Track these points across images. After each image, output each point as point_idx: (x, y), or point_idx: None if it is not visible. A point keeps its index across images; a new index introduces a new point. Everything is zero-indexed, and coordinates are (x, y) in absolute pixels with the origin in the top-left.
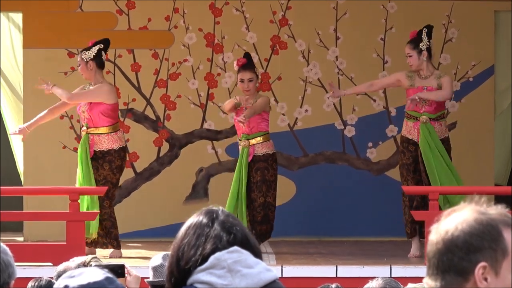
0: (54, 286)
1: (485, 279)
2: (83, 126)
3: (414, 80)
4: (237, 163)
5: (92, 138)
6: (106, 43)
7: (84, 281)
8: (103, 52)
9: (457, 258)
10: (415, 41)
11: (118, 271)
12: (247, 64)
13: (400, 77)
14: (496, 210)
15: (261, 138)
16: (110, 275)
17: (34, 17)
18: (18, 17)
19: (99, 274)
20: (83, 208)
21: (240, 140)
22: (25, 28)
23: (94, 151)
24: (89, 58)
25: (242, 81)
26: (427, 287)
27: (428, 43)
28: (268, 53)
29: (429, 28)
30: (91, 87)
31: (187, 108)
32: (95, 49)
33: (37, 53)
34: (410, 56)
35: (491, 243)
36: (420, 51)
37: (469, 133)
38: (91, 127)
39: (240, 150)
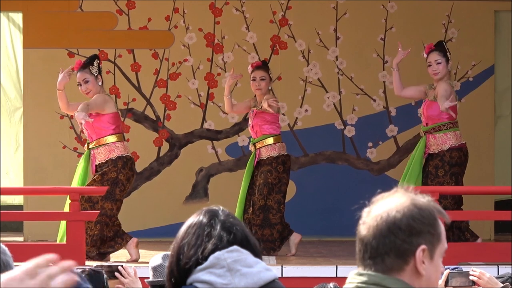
0: None
1: (423, 262)
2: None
3: (429, 91)
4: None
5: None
6: (97, 57)
7: None
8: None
9: (399, 240)
10: (442, 49)
11: (115, 272)
12: (261, 65)
13: (424, 88)
14: (426, 198)
15: (265, 142)
16: (77, 278)
17: (34, 17)
18: (18, 17)
19: None
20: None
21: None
22: (25, 28)
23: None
24: (97, 72)
25: (254, 79)
26: (361, 272)
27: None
28: (268, 53)
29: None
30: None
31: (187, 108)
32: (96, 63)
33: (37, 53)
34: (438, 63)
35: (430, 228)
36: (447, 60)
37: (469, 133)
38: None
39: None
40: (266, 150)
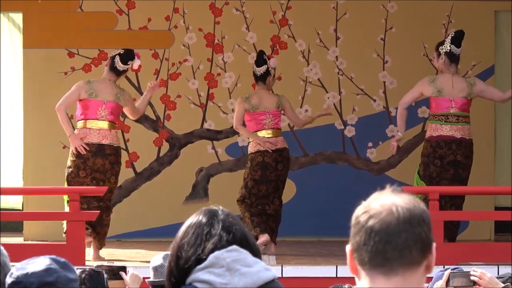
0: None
1: None
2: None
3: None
4: None
5: None
6: (126, 52)
7: (25, 271)
8: (118, 58)
9: (424, 232)
10: (439, 43)
11: (118, 272)
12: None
13: (421, 85)
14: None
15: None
16: (53, 266)
17: (34, 17)
18: (18, 17)
19: (41, 265)
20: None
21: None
22: (25, 28)
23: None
24: (110, 55)
25: None
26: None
27: (449, 48)
28: (268, 53)
29: (458, 33)
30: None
31: (187, 108)
32: (117, 59)
33: (37, 53)
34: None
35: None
36: (438, 54)
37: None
38: None
39: None
40: (249, 148)
